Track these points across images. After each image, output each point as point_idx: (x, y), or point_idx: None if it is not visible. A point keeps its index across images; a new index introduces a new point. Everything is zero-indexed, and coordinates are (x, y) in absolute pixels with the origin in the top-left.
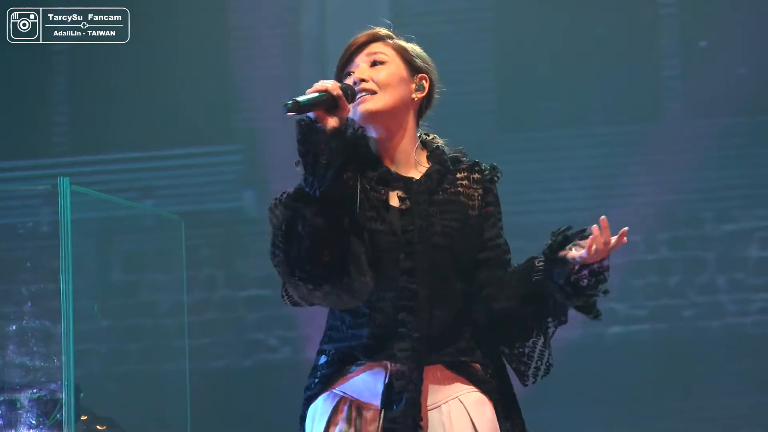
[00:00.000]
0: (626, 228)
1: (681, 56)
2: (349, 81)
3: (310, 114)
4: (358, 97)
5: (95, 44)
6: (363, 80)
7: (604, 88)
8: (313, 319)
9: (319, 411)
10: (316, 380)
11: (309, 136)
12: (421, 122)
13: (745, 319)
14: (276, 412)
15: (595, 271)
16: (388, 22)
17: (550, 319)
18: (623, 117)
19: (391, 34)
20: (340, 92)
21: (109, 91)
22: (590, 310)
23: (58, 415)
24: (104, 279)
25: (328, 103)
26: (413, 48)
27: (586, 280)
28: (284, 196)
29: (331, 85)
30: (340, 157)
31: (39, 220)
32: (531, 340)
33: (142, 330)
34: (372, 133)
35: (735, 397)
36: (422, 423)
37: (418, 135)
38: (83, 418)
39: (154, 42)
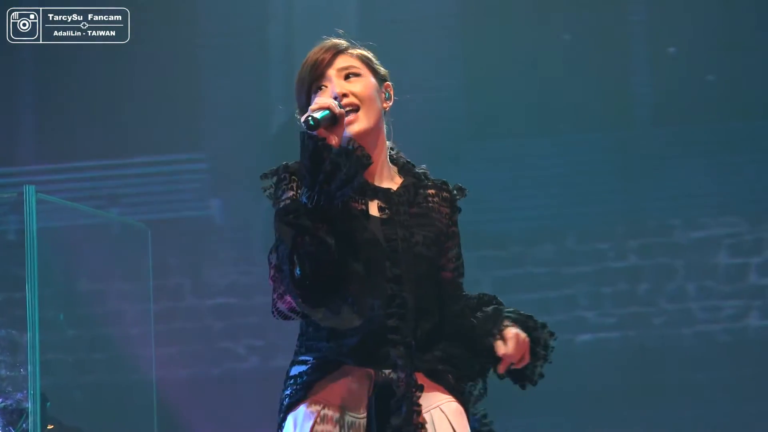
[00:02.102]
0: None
1: (649, 63)
2: (323, 95)
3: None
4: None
5: (60, 52)
6: (344, 95)
7: (572, 95)
8: (281, 328)
9: (300, 420)
10: (298, 387)
11: (320, 153)
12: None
13: (714, 326)
14: (244, 421)
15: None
16: (341, 31)
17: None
18: (592, 124)
19: (347, 44)
20: (342, 110)
21: (76, 99)
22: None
23: (24, 425)
24: (70, 288)
25: (331, 120)
26: (373, 58)
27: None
28: (281, 209)
29: (331, 102)
30: (355, 172)
31: (5, 229)
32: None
33: (109, 339)
34: None
35: (705, 404)
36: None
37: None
38: (50, 427)
39: (120, 50)
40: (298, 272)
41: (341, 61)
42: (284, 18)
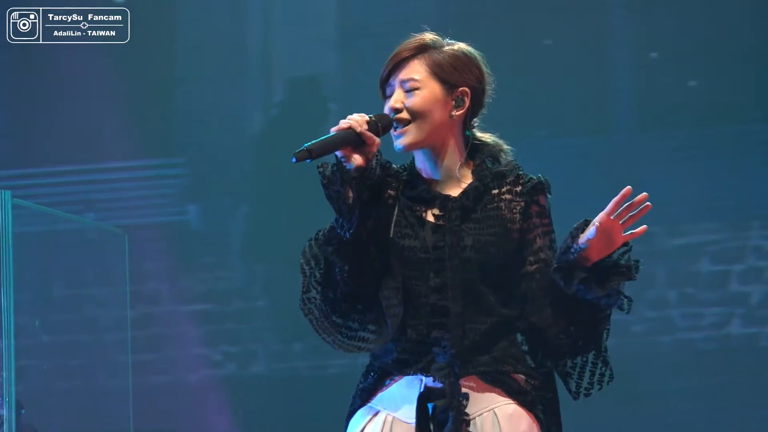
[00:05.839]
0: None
1: (631, 68)
2: (386, 108)
3: (337, 152)
4: (395, 126)
5: (39, 53)
6: (397, 110)
7: (552, 100)
8: (257, 336)
9: (354, 425)
10: (356, 396)
11: (331, 179)
12: (472, 122)
13: (696, 334)
14: (221, 427)
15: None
16: (426, 27)
17: (601, 330)
18: (572, 129)
19: (428, 43)
20: (364, 128)
21: (52, 102)
22: (612, 301)
23: None
24: (46, 293)
25: (354, 139)
26: (452, 60)
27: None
28: (319, 234)
29: (355, 121)
30: (363, 196)
31: None
32: (578, 355)
33: (85, 345)
34: (416, 155)
35: (686, 412)
36: None
37: (466, 143)
38: None
39: (98, 54)
40: (329, 295)
41: (406, 71)
42: (261, 21)
